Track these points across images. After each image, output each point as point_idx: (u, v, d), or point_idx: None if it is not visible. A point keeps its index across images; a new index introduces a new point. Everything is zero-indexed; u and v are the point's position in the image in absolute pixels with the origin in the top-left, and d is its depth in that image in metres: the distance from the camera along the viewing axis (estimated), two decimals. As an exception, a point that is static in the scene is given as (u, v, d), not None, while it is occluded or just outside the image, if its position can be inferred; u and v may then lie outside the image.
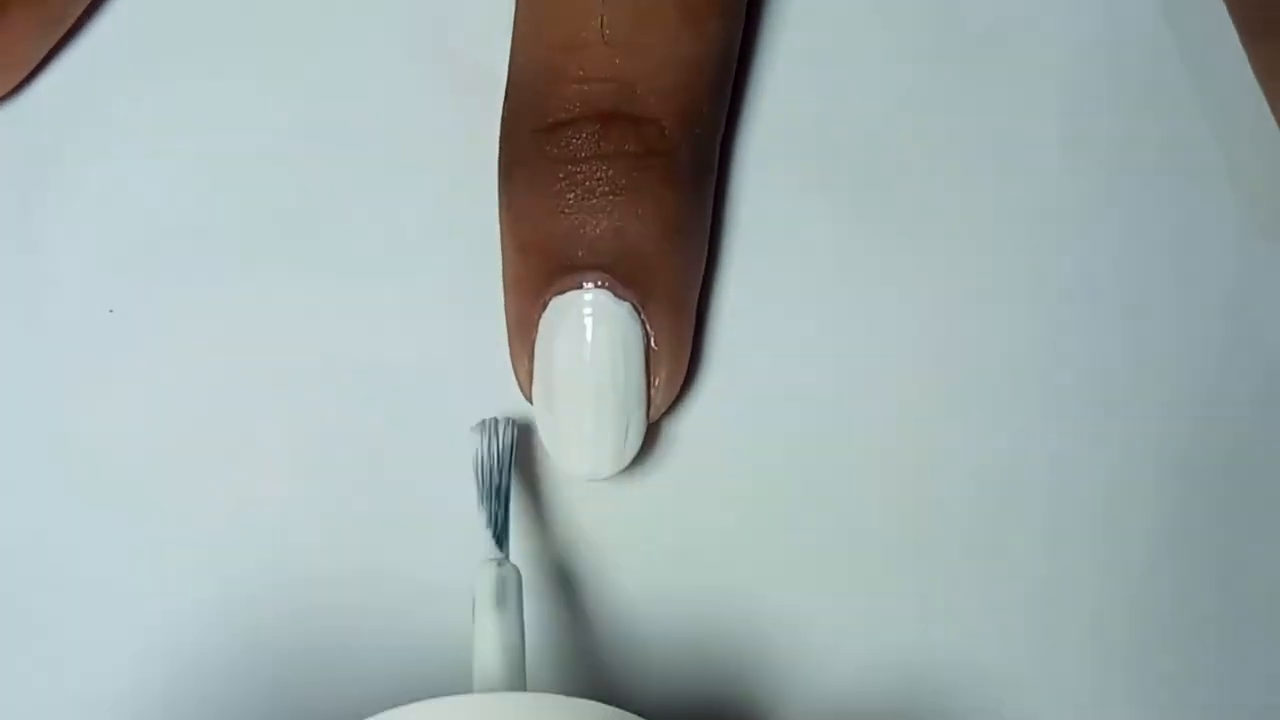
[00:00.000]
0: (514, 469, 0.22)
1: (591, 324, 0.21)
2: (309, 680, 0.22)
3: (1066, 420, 0.23)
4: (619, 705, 0.17)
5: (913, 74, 0.25)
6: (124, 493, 0.23)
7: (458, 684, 0.19)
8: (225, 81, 0.25)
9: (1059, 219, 0.24)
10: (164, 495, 0.23)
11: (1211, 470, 0.23)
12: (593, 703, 0.17)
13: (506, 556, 0.20)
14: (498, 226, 0.23)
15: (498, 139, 0.23)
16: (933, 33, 0.25)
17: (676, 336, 0.22)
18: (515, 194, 0.22)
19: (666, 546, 0.23)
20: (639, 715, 0.17)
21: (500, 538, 0.20)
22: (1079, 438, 0.23)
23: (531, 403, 0.22)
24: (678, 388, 0.22)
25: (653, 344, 0.22)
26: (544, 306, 0.21)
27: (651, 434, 0.23)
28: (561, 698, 0.17)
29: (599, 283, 0.21)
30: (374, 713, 0.17)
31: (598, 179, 0.21)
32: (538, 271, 0.22)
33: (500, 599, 0.19)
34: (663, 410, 0.22)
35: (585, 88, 0.21)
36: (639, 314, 0.21)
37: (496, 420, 0.22)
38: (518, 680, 0.19)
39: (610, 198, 0.21)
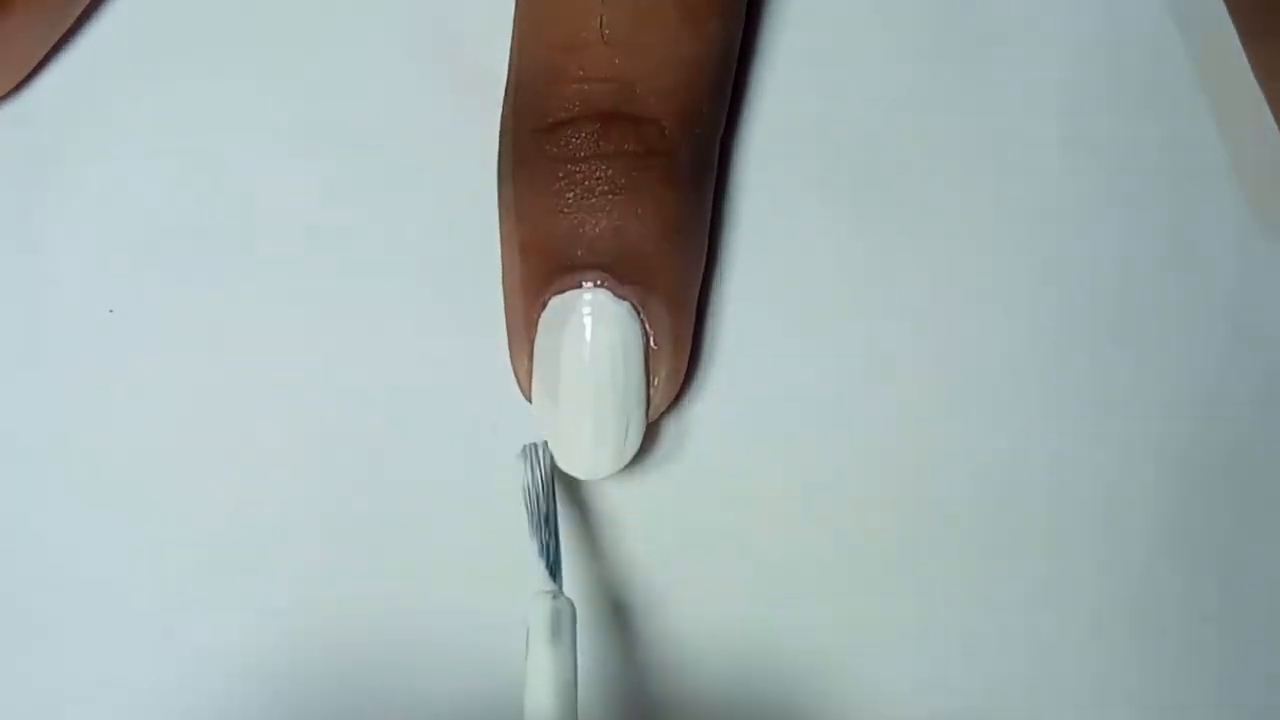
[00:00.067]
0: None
1: (591, 323, 0.21)
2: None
3: (1066, 420, 0.23)
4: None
5: (913, 74, 0.25)
6: (124, 493, 0.23)
7: (504, 716, 0.19)
8: (225, 81, 0.25)
9: (1059, 219, 0.24)
10: (164, 495, 0.23)
11: (1212, 469, 0.23)
12: None
13: (560, 588, 0.20)
14: (497, 226, 0.23)
15: (497, 139, 0.23)
16: (933, 33, 0.25)
17: (676, 336, 0.22)
18: (515, 193, 0.22)
19: (665, 546, 0.23)
20: None
21: (553, 569, 0.20)
22: (1079, 438, 0.23)
23: (531, 402, 0.22)
24: (677, 387, 0.22)
25: (652, 343, 0.22)
26: (543, 306, 0.21)
27: (651, 433, 0.23)
28: None
29: (598, 282, 0.21)
30: None
31: (597, 178, 0.21)
32: (537, 271, 0.22)
33: (555, 632, 0.19)
34: (662, 409, 0.22)
35: (585, 87, 0.21)
36: (638, 313, 0.21)
37: (537, 446, 0.22)
38: (570, 716, 0.19)
39: (610, 197, 0.21)
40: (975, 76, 0.25)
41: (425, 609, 0.22)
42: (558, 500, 0.21)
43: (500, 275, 0.23)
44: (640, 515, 0.23)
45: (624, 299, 0.21)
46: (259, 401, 0.23)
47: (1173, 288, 0.24)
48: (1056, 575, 0.23)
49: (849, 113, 0.24)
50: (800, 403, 0.23)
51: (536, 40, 0.22)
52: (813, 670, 0.22)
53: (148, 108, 0.25)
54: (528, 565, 0.20)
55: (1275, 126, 0.23)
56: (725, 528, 0.23)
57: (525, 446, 0.22)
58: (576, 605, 0.20)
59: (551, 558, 0.20)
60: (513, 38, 0.23)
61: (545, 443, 0.22)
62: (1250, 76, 0.23)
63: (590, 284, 0.21)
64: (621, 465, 0.22)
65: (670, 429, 0.23)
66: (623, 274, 0.21)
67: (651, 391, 0.22)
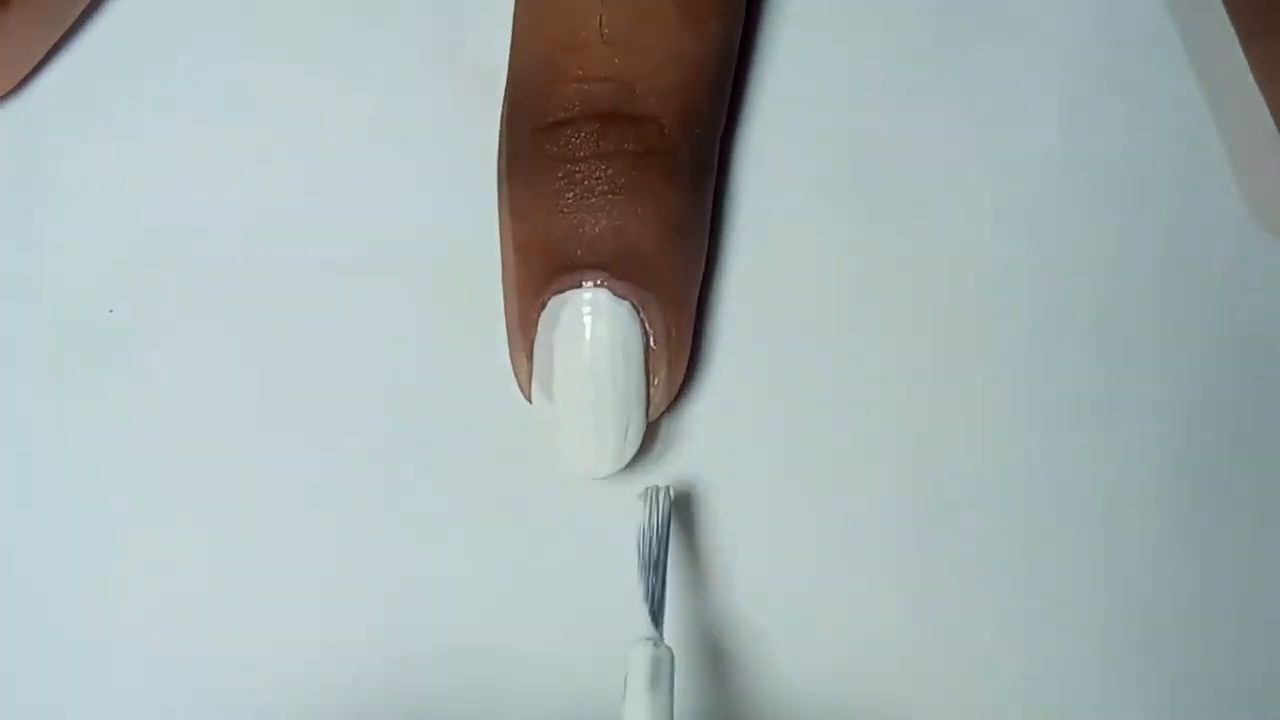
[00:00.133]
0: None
1: (591, 323, 0.21)
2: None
3: (1067, 418, 0.23)
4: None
5: (912, 74, 0.25)
6: (123, 493, 0.23)
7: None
8: (225, 81, 0.25)
9: (1059, 218, 0.24)
10: (163, 495, 0.23)
11: (1211, 469, 0.23)
12: None
13: (661, 636, 0.20)
14: (497, 226, 0.23)
15: (497, 138, 0.23)
16: (932, 32, 0.25)
17: (676, 335, 0.22)
18: (515, 193, 0.22)
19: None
20: None
21: (656, 615, 0.20)
22: (1079, 436, 0.23)
23: (531, 402, 0.22)
24: (677, 386, 0.22)
25: (652, 343, 0.22)
26: (543, 306, 0.21)
27: (651, 433, 0.23)
28: None
29: (598, 282, 0.21)
30: None
31: (597, 178, 0.21)
32: (537, 271, 0.22)
33: (654, 681, 0.19)
34: (662, 409, 0.22)
35: (585, 87, 0.21)
36: (638, 313, 0.21)
37: (658, 489, 0.21)
38: None
39: (609, 197, 0.21)
40: (975, 76, 0.25)
41: (434, 621, 0.22)
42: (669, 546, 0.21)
43: (499, 275, 0.23)
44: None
45: (623, 299, 0.21)
46: (259, 401, 0.23)
47: (1172, 287, 0.24)
48: (1056, 575, 0.23)
49: (848, 112, 0.24)
50: (799, 401, 0.23)
51: (536, 39, 0.22)
52: (812, 675, 0.22)
53: (147, 108, 0.25)
54: (632, 608, 0.20)
55: (1273, 127, 0.23)
56: (724, 526, 0.23)
57: (648, 489, 0.21)
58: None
59: (656, 604, 0.20)
60: (512, 37, 0.23)
61: (668, 488, 0.21)
62: (1248, 76, 0.23)
63: (590, 284, 0.21)
64: (621, 465, 0.22)
65: (670, 428, 0.23)
66: (622, 273, 0.21)
67: (651, 391, 0.22)
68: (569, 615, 0.22)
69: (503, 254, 0.23)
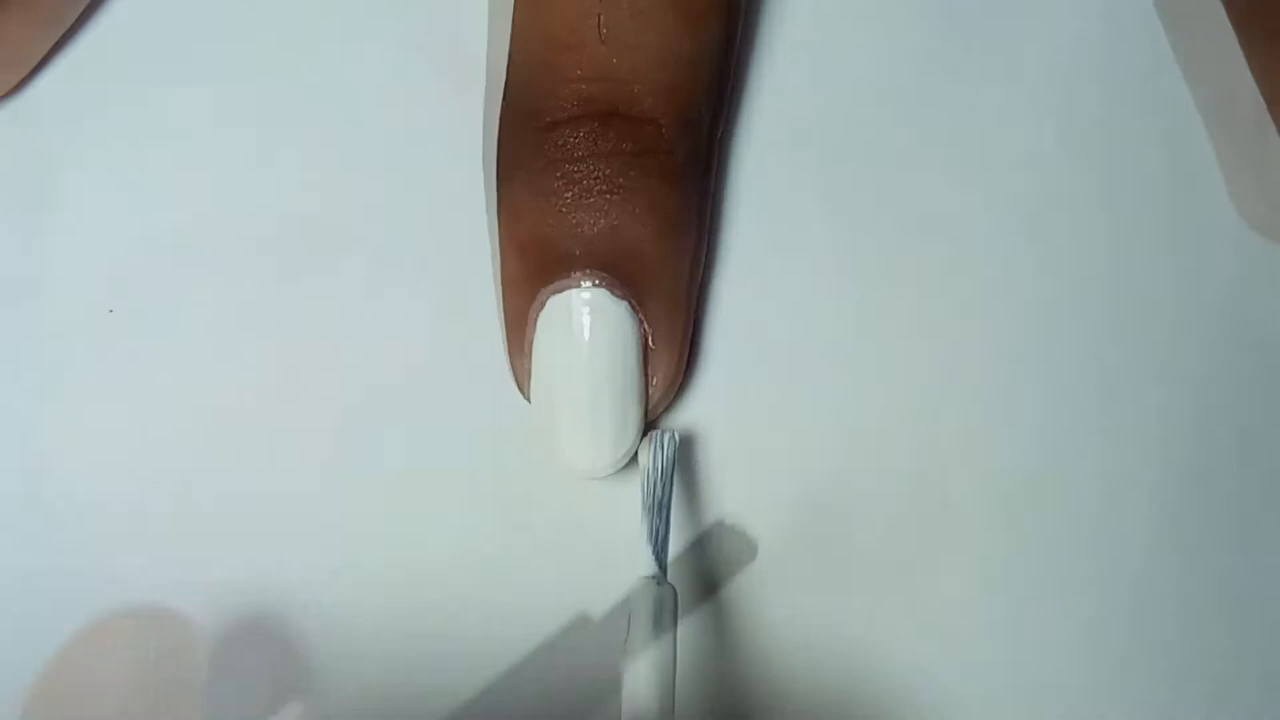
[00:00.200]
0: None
1: (589, 322, 0.21)
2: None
3: (1065, 418, 0.23)
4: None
5: (911, 74, 0.25)
6: (123, 492, 0.23)
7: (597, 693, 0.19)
8: (224, 82, 0.25)
9: (1058, 218, 0.24)
10: (163, 494, 0.23)
11: (1210, 468, 0.23)
12: None
13: (665, 575, 0.20)
14: (495, 225, 0.23)
15: (495, 138, 0.23)
16: (932, 33, 0.25)
17: (674, 335, 0.22)
18: (513, 193, 0.22)
19: (678, 544, 0.23)
20: None
21: (660, 555, 0.20)
22: (1078, 436, 0.23)
23: (529, 401, 0.22)
24: (676, 386, 0.22)
25: (650, 342, 0.22)
26: (542, 305, 0.21)
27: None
28: None
29: (597, 281, 0.21)
30: None
31: (595, 178, 0.21)
32: (535, 270, 0.22)
33: (658, 620, 0.19)
34: (661, 408, 0.22)
35: (583, 87, 0.21)
36: (636, 312, 0.21)
37: (662, 432, 0.22)
38: (667, 704, 0.19)
39: (608, 196, 0.21)
40: (975, 76, 0.25)
41: (426, 606, 0.22)
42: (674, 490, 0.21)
43: (495, 275, 0.23)
44: (638, 512, 0.23)
45: (622, 298, 0.21)
46: (259, 401, 0.23)
47: (1171, 287, 0.24)
48: (1056, 575, 0.23)
49: (848, 112, 0.24)
50: (798, 401, 0.23)
51: (534, 39, 0.22)
52: (812, 674, 0.22)
53: (148, 108, 0.25)
54: (636, 549, 0.20)
55: (1272, 129, 0.23)
56: (726, 529, 0.23)
57: (653, 433, 0.22)
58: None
59: (659, 544, 0.20)
60: (511, 37, 0.23)
61: (674, 432, 0.22)
62: (1235, 81, 0.23)
63: (589, 283, 0.21)
64: (621, 465, 0.22)
65: (669, 427, 0.23)
66: (621, 273, 0.21)
67: (650, 390, 0.22)
68: (569, 615, 0.22)
69: (500, 253, 0.22)
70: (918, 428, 0.23)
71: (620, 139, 0.21)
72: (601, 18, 0.21)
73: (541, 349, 0.22)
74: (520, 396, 0.22)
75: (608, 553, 0.23)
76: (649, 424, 0.22)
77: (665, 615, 0.19)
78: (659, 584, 0.20)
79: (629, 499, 0.23)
